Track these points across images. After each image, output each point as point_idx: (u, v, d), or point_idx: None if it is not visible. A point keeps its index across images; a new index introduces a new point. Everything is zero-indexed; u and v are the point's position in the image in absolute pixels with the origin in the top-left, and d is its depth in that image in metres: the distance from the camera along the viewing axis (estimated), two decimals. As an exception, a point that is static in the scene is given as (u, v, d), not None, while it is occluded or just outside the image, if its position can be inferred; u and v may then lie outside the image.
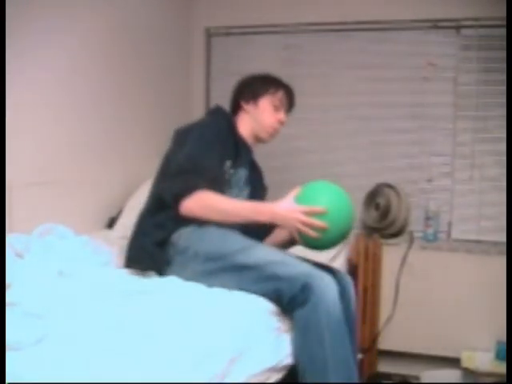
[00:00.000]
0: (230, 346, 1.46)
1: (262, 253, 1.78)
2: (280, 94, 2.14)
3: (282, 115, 2.15)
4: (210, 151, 1.91)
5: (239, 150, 2.05)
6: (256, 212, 1.83)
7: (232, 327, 1.54)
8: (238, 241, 1.81)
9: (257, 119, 2.12)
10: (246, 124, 2.13)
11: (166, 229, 1.87)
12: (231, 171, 1.99)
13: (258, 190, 2.18)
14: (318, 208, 1.74)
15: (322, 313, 1.63)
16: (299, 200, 1.78)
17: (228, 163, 1.98)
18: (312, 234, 1.74)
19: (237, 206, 1.86)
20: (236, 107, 2.17)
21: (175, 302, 1.59)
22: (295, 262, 1.76)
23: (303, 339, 1.66)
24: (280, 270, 1.70)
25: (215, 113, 2.14)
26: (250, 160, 2.16)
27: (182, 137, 2.00)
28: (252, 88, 2.14)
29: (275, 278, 1.69)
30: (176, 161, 1.92)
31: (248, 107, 2.13)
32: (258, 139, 2.17)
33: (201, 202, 1.83)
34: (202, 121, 2.11)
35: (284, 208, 1.78)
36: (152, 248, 1.85)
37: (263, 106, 2.12)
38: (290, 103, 2.18)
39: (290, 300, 1.67)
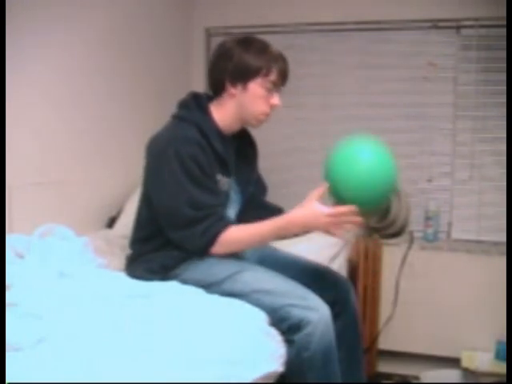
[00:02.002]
0: (229, 351, 1.46)
1: (250, 278, 1.73)
2: (274, 75, 1.81)
3: (275, 99, 1.85)
4: (203, 185, 1.76)
5: (223, 155, 1.84)
6: (283, 230, 1.76)
7: (232, 332, 1.54)
8: (226, 268, 1.76)
9: (245, 105, 1.83)
10: (231, 109, 1.85)
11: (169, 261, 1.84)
12: (225, 180, 1.86)
13: (249, 171, 2.03)
14: (346, 209, 1.67)
15: (304, 344, 1.61)
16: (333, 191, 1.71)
17: (219, 176, 1.83)
18: (346, 229, 1.72)
19: (262, 232, 1.78)
20: (219, 87, 1.85)
21: (175, 306, 1.58)
22: (284, 288, 1.70)
23: (293, 362, 1.65)
24: (264, 299, 1.67)
25: (185, 117, 1.84)
26: (234, 147, 1.94)
27: (157, 162, 1.79)
28: (240, 67, 1.79)
29: (260, 307, 1.67)
30: (175, 206, 1.75)
31: (235, 91, 1.82)
32: (246, 124, 1.93)
33: (228, 246, 1.77)
34: (174, 137, 1.78)
35: (307, 214, 1.71)
36: (147, 276, 1.82)
37: (254, 90, 1.81)
38: (284, 79, 1.86)
39: (274, 327, 1.66)
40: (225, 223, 1.77)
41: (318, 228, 1.74)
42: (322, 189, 1.73)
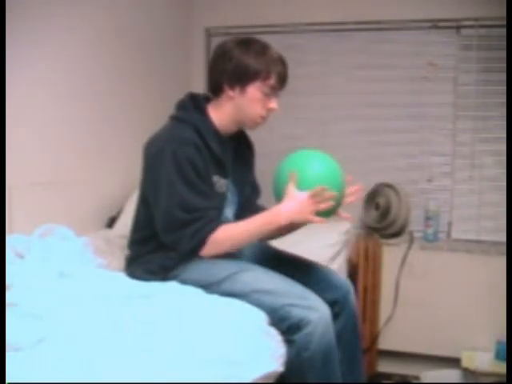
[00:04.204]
0: (229, 351, 1.46)
1: (250, 278, 1.73)
2: (273, 79, 1.80)
3: (273, 103, 1.84)
4: (196, 188, 1.75)
5: (221, 157, 1.84)
6: (271, 224, 1.77)
7: (232, 332, 1.54)
8: (225, 268, 1.75)
9: (243, 108, 1.83)
10: (229, 111, 1.84)
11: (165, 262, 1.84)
12: (222, 181, 1.85)
13: (246, 172, 2.03)
14: (320, 187, 1.71)
15: (304, 344, 1.61)
16: (302, 183, 1.75)
17: (216, 178, 1.83)
18: (329, 206, 1.72)
19: (250, 228, 1.79)
20: (218, 89, 1.84)
21: (175, 306, 1.58)
22: (284, 288, 1.70)
23: (293, 362, 1.65)
24: (265, 299, 1.67)
25: (183, 118, 1.83)
26: (231, 149, 1.94)
27: (154, 162, 1.79)
28: (239, 69, 1.78)
29: (260, 306, 1.66)
30: (168, 208, 1.75)
31: (233, 94, 1.81)
32: (242, 126, 1.92)
33: (218, 246, 1.76)
34: (171, 138, 1.78)
35: (293, 203, 1.73)
36: (147, 276, 1.81)
37: (252, 94, 1.80)
38: (283, 83, 1.85)
39: (274, 327, 1.66)
40: (214, 225, 1.77)
41: (303, 213, 1.72)
42: (293, 178, 1.75)
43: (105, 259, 1.97)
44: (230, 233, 1.79)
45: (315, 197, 1.71)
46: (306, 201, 1.72)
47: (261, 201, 2.15)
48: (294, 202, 1.73)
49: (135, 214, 1.94)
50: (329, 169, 1.81)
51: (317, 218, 1.73)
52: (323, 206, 1.72)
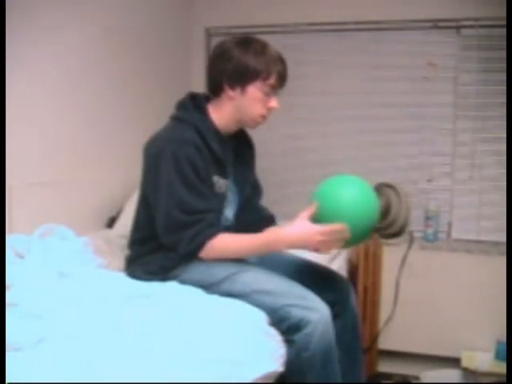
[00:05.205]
0: (229, 351, 1.46)
1: (250, 279, 1.72)
2: (273, 78, 1.80)
3: (273, 102, 1.84)
4: (196, 189, 1.75)
5: (221, 156, 1.83)
6: (272, 246, 1.76)
7: (232, 332, 1.54)
8: (225, 268, 1.75)
9: (244, 108, 1.83)
10: (229, 111, 1.84)
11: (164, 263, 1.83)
12: (222, 182, 1.85)
13: (246, 171, 2.03)
14: (338, 226, 1.67)
15: (304, 344, 1.61)
16: (319, 217, 1.71)
17: (216, 178, 1.83)
18: (335, 248, 1.72)
19: (249, 245, 1.78)
20: (218, 89, 1.84)
21: (175, 306, 1.59)
22: (284, 288, 1.70)
23: (293, 362, 1.65)
24: (264, 299, 1.67)
25: (183, 119, 1.83)
26: (232, 148, 1.95)
27: (154, 162, 1.79)
28: (239, 69, 1.78)
29: (259, 307, 1.66)
30: (169, 211, 1.75)
31: (233, 94, 1.81)
32: (243, 125, 1.93)
33: (214, 253, 1.75)
34: (171, 138, 1.78)
35: (299, 233, 1.71)
36: (147, 276, 1.81)
37: (252, 94, 1.80)
38: (283, 82, 1.85)
39: (274, 327, 1.66)
40: (214, 230, 1.76)
41: (308, 246, 1.72)
42: (312, 209, 1.74)
43: (105, 259, 1.97)
44: (228, 244, 1.78)
45: (326, 234, 1.68)
46: (314, 236, 1.69)
47: (262, 201, 2.16)
48: (302, 233, 1.71)
49: (135, 214, 1.94)
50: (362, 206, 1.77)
51: (327, 248, 1.72)
52: (329, 248, 1.71)
